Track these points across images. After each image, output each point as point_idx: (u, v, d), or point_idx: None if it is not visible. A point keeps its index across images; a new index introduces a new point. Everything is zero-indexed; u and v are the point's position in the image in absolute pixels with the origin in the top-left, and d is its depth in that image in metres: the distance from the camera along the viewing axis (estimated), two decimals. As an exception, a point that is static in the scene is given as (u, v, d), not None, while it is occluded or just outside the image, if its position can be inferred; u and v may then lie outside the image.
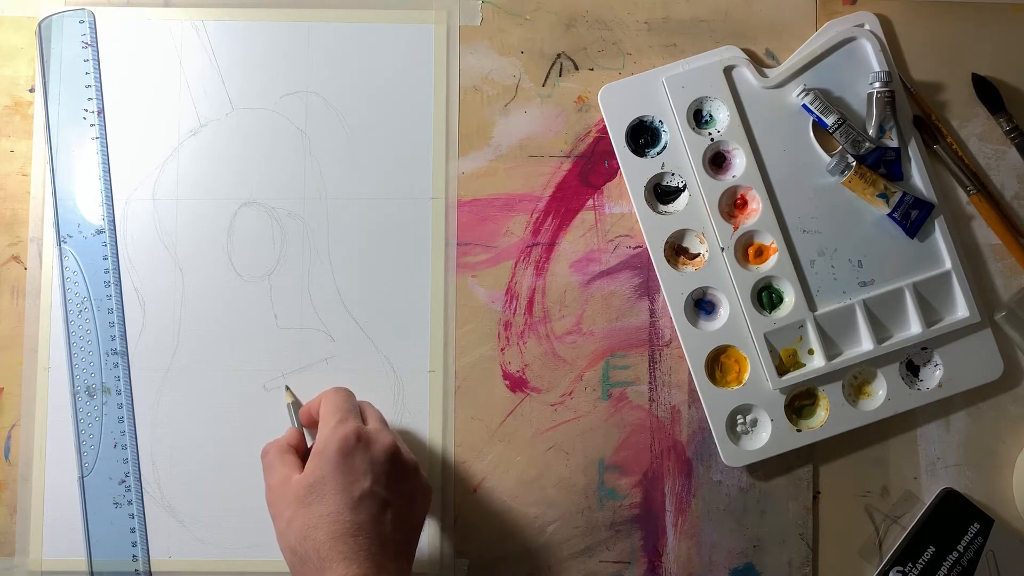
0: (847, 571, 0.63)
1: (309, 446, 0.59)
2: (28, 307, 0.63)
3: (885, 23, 0.64)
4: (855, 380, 0.63)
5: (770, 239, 0.63)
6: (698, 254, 0.63)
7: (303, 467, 0.55)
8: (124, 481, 0.62)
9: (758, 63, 0.64)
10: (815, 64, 0.63)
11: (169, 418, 0.63)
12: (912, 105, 0.64)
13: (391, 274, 0.63)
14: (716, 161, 0.64)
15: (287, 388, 0.62)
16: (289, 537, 0.52)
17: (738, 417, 0.63)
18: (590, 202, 0.64)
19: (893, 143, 0.62)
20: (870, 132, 0.62)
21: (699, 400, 0.62)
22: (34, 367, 0.63)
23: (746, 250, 0.63)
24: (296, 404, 0.61)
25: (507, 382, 0.63)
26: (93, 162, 0.64)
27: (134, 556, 0.62)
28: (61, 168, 0.64)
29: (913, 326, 0.62)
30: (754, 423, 0.63)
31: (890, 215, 0.62)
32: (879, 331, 0.62)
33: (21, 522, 0.62)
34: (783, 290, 0.63)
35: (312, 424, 0.59)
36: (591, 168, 0.64)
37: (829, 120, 0.62)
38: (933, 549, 0.62)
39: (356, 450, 0.54)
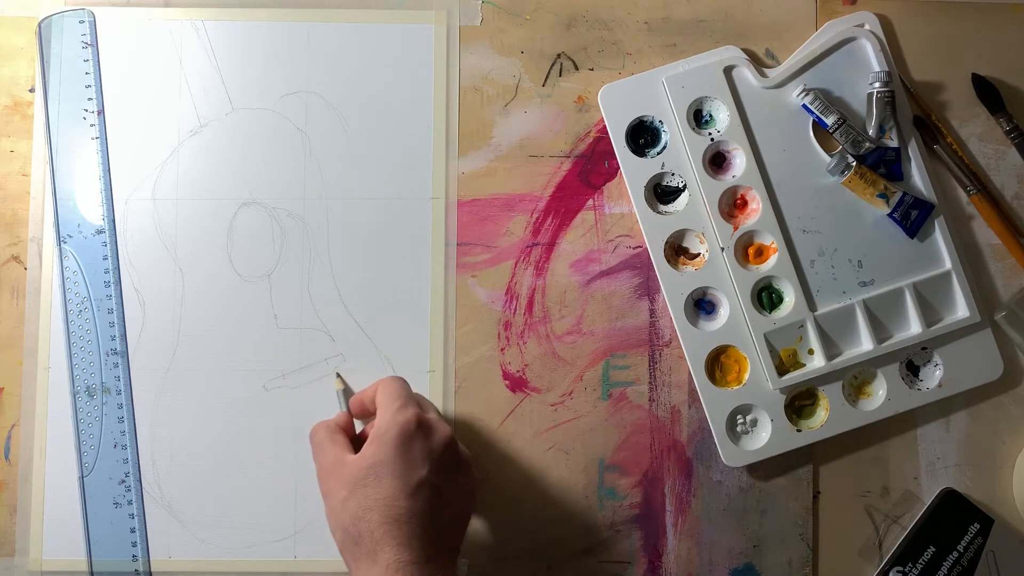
0: (847, 571, 0.63)
1: (358, 433, 0.59)
2: (28, 307, 0.63)
3: (885, 23, 0.64)
4: (855, 380, 0.63)
5: (770, 239, 0.63)
6: (698, 254, 0.63)
7: (353, 450, 0.55)
8: (124, 481, 0.62)
9: (758, 63, 0.64)
10: (815, 64, 0.63)
11: (169, 418, 0.63)
12: (912, 105, 0.64)
13: (391, 274, 0.63)
14: (716, 161, 0.64)
15: (338, 375, 0.62)
16: (343, 516, 0.52)
17: (738, 417, 0.63)
18: (590, 202, 0.64)
19: (893, 143, 0.62)
20: (870, 132, 0.62)
21: (699, 400, 0.62)
22: (34, 367, 0.63)
23: (746, 250, 0.63)
24: (347, 391, 0.61)
25: (507, 382, 0.63)
26: (93, 162, 0.64)
27: (134, 556, 0.62)
28: (61, 168, 0.64)
29: (913, 326, 0.62)
30: (754, 423, 0.63)
31: (890, 215, 0.62)
32: (879, 331, 0.62)
33: (21, 522, 0.62)
34: (783, 290, 0.63)
35: (362, 413, 0.60)
36: (591, 168, 0.64)
37: (829, 120, 0.62)
38: (933, 549, 0.62)
39: (416, 437, 0.54)
